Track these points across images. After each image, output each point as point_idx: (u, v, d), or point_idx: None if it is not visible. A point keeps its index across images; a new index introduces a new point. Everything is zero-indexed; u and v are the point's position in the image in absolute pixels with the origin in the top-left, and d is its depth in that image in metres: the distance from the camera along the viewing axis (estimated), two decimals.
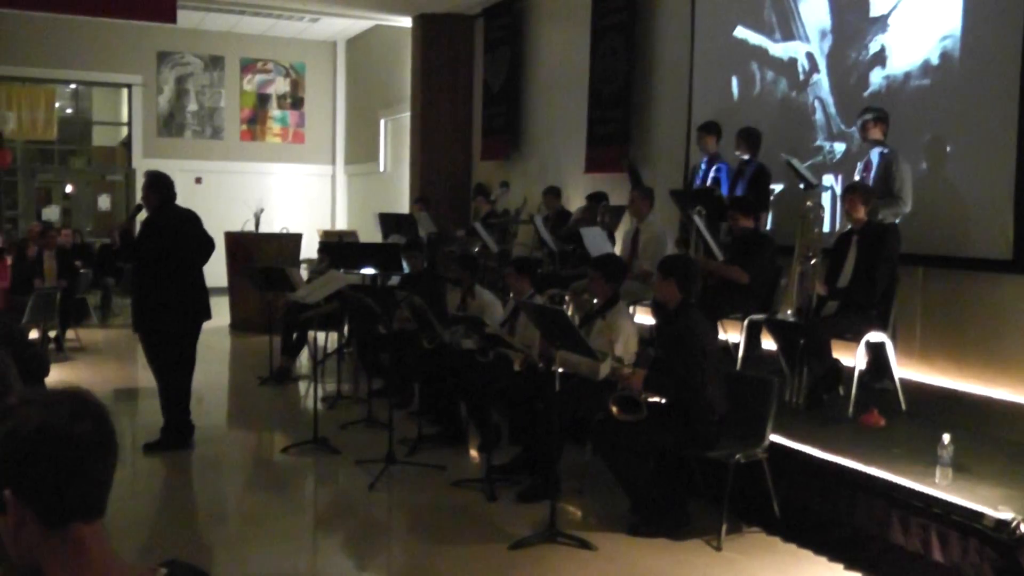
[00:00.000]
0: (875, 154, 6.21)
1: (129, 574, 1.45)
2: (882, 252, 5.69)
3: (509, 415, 6.18)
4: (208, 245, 6.57)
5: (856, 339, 5.63)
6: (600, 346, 5.17)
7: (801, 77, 7.66)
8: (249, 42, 17.53)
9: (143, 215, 6.56)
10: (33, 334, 10.16)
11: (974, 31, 6.23)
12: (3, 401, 1.45)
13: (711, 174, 7.58)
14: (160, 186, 6.45)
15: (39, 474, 1.37)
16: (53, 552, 1.40)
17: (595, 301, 5.84)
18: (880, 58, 6.90)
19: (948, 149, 6.39)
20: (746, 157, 7.31)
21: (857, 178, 6.31)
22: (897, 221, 6.00)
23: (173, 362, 6.51)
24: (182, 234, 6.40)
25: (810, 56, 7.57)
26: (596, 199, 8.77)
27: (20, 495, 1.37)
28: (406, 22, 13.70)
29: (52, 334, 10.52)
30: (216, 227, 7.20)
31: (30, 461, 1.37)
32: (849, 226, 6.00)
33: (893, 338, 5.83)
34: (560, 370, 4.92)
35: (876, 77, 6.94)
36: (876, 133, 6.20)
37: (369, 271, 7.73)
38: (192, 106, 17.36)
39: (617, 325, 5.47)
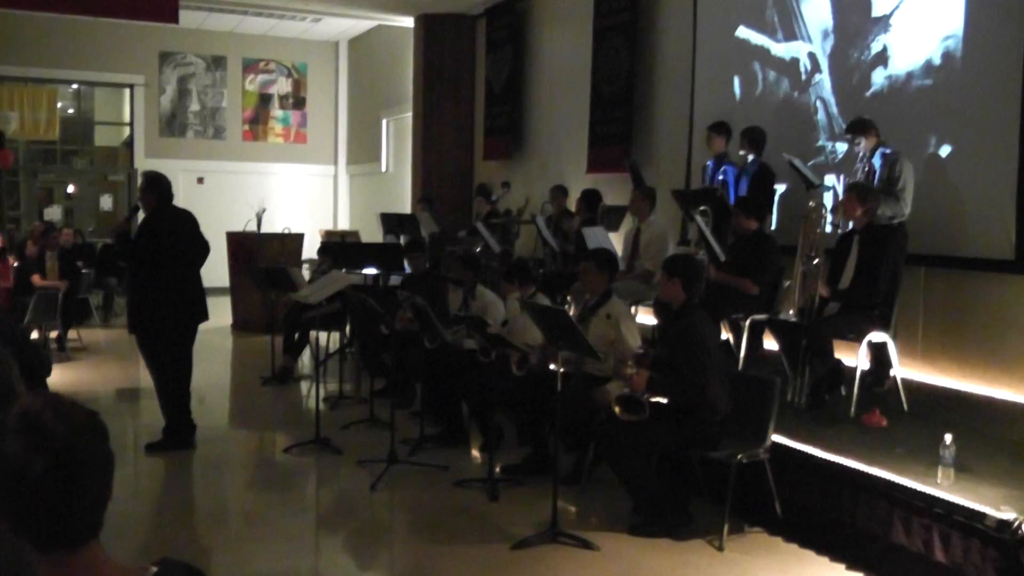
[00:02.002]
0: (876, 156, 6.21)
1: (120, 573, 1.45)
2: (884, 252, 5.68)
3: (515, 418, 6.17)
4: (203, 248, 6.57)
5: (858, 339, 5.62)
6: (599, 342, 5.17)
7: (803, 77, 7.65)
8: (251, 42, 17.54)
9: (141, 215, 6.56)
10: (35, 335, 10.19)
11: (976, 31, 6.22)
12: (7, 402, 1.44)
13: (718, 176, 7.57)
14: (157, 186, 6.44)
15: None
16: (42, 565, 1.41)
17: (587, 296, 5.84)
18: (882, 58, 6.89)
19: (950, 149, 6.38)
20: (750, 157, 7.30)
21: (858, 179, 6.29)
22: (895, 222, 5.98)
23: (170, 363, 6.50)
24: (179, 234, 6.39)
25: (812, 56, 7.56)
26: (587, 197, 8.77)
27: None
28: (408, 22, 13.70)
29: (54, 334, 10.54)
30: (218, 227, 7.22)
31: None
32: (851, 226, 5.99)
33: (895, 338, 5.81)
34: (562, 370, 4.93)
35: (878, 77, 6.93)
36: (870, 142, 6.20)
37: (371, 271, 7.75)
38: (194, 106, 17.37)
39: (617, 318, 5.48)
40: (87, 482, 1.38)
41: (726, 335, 6.88)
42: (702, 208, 6.86)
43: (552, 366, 5.03)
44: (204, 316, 6.64)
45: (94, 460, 1.39)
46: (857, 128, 6.27)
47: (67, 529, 1.38)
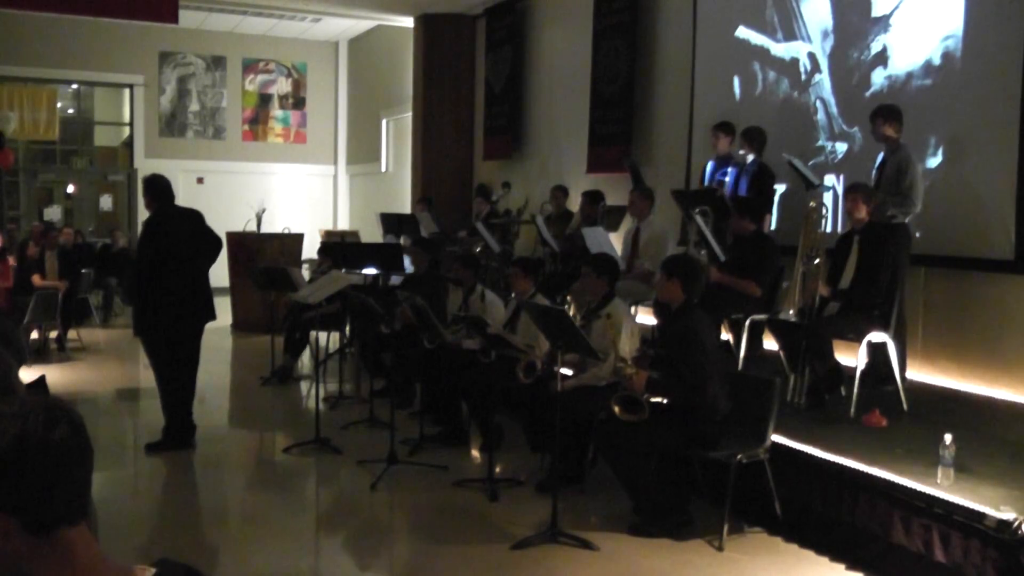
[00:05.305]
0: (888, 153, 6.16)
1: (117, 575, 1.45)
2: (884, 252, 5.67)
3: (524, 425, 6.17)
4: (215, 243, 6.57)
5: (858, 339, 5.62)
6: (601, 345, 5.17)
7: (803, 77, 7.65)
8: (251, 42, 17.55)
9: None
10: (35, 335, 10.21)
11: (976, 31, 6.22)
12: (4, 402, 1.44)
13: (717, 176, 7.56)
14: (154, 187, 6.44)
15: (21, 485, 1.37)
16: (41, 559, 1.40)
17: (589, 300, 5.84)
18: (882, 58, 6.90)
19: (950, 149, 6.38)
20: (750, 157, 7.30)
21: (873, 178, 6.23)
22: (895, 221, 5.96)
23: (176, 363, 6.49)
24: (181, 234, 6.38)
25: (812, 56, 7.57)
26: (591, 197, 8.77)
27: (3, 507, 1.37)
28: (408, 22, 13.71)
29: (53, 334, 10.54)
30: (218, 227, 7.18)
31: (11, 473, 1.36)
32: (851, 226, 5.99)
33: (898, 337, 5.80)
34: (563, 370, 4.92)
35: (878, 77, 6.94)
36: (889, 131, 6.09)
37: (371, 271, 7.75)
38: (194, 106, 17.37)
39: (617, 322, 5.47)
40: (90, 453, 1.45)
41: (726, 335, 6.88)
42: (702, 208, 6.85)
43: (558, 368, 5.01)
44: (211, 316, 6.63)
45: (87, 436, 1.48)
46: (885, 114, 6.10)
47: (75, 501, 1.42)
